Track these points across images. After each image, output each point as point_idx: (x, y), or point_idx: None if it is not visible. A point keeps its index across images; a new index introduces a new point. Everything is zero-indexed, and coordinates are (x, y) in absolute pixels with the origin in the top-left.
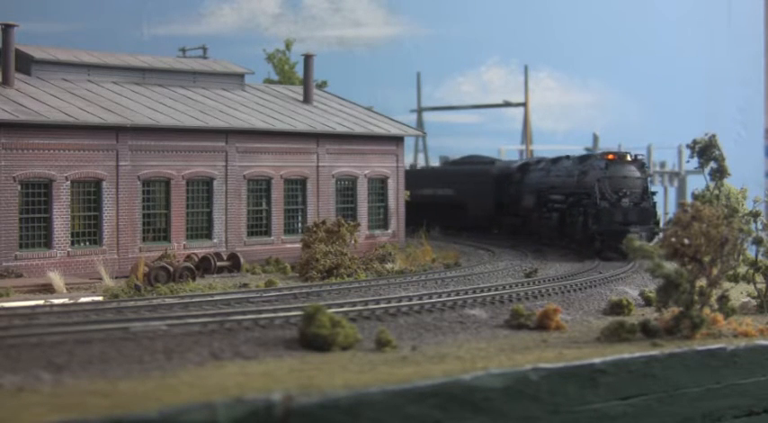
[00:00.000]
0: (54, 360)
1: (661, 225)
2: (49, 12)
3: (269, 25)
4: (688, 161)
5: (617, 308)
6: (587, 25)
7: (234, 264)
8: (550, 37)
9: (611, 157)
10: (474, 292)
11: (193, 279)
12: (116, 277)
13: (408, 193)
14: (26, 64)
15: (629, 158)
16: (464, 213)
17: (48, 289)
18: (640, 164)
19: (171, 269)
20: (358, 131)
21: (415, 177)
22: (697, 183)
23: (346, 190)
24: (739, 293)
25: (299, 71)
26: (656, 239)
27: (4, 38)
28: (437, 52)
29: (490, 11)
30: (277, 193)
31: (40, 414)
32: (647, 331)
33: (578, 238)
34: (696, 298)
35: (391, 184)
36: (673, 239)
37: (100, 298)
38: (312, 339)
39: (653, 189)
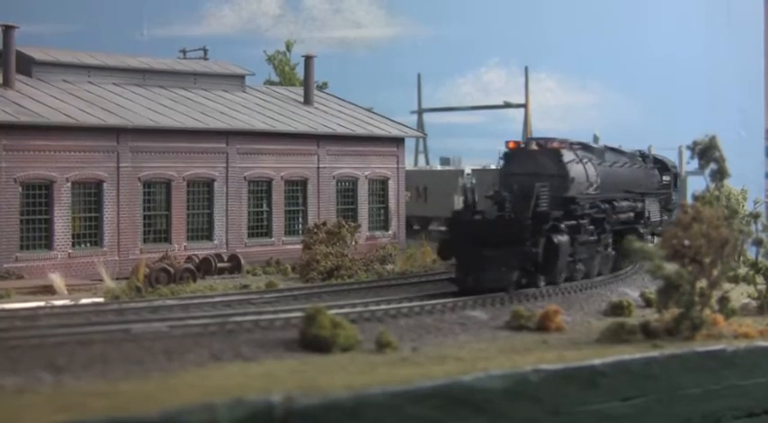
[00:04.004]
0: (55, 361)
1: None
2: (50, 13)
3: (269, 26)
4: (688, 162)
5: (617, 309)
6: (586, 26)
7: (234, 265)
8: (550, 38)
9: (511, 145)
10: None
11: (194, 280)
12: (117, 279)
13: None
14: (27, 65)
15: (534, 147)
16: None
17: (49, 290)
18: (555, 155)
19: (172, 270)
20: (359, 133)
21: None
22: (697, 184)
23: (347, 191)
24: (740, 295)
25: (300, 72)
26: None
27: (5, 39)
28: (437, 53)
29: (490, 12)
30: (278, 195)
31: (40, 415)
32: (648, 332)
33: None
34: (696, 299)
35: (392, 185)
36: (673, 241)
37: (101, 299)
38: (313, 340)
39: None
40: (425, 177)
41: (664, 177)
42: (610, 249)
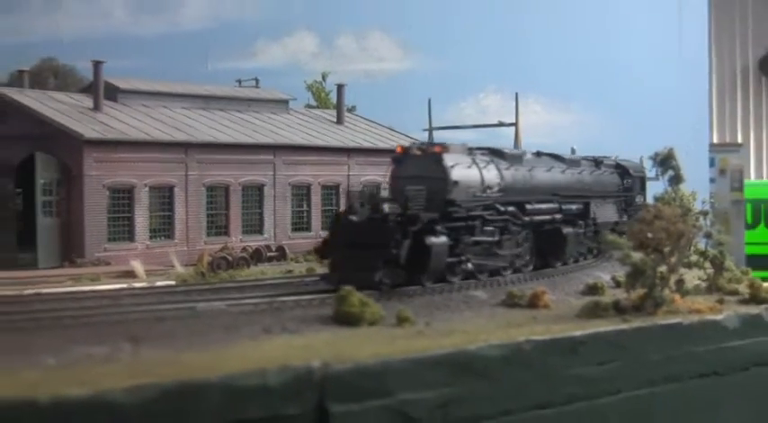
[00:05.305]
0: (134, 334)
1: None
2: (132, 50)
3: (308, 61)
4: (650, 170)
5: (593, 290)
6: (568, 59)
7: (281, 254)
8: (537, 69)
9: (398, 149)
10: (476, 277)
11: (248, 267)
12: (185, 265)
13: None
14: (113, 93)
15: (417, 152)
16: None
17: (130, 275)
18: (436, 159)
19: (230, 258)
20: (381, 146)
21: None
22: (654, 188)
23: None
24: (692, 278)
25: (333, 98)
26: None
27: (95, 72)
28: (444, 82)
29: (487, 48)
30: (315, 197)
31: (122, 379)
32: (618, 309)
33: None
34: (658, 281)
35: None
36: (639, 234)
37: (172, 282)
38: (344, 316)
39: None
40: None
41: (625, 181)
42: (521, 249)
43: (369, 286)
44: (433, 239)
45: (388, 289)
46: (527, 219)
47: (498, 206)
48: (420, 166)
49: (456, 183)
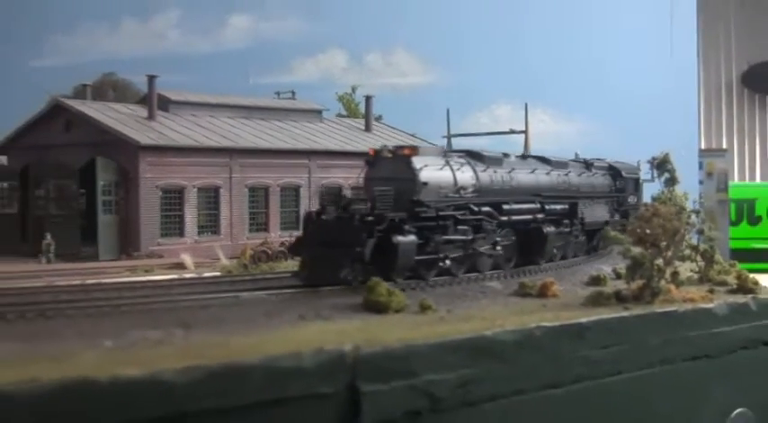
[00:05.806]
0: (184, 320)
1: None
2: (182, 67)
3: (340, 75)
4: (647, 173)
5: (596, 280)
6: (571, 74)
7: None
8: (544, 83)
9: (371, 152)
10: (491, 269)
11: (286, 260)
12: (230, 258)
13: None
14: (165, 104)
15: (388, 154)
16: None
17: (181, 267)
18: (406, 161)
19: (269, 252)
20: None
21: None
22: (651, 189)
23: None
24: (686, 270)
25: (362, 108)
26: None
27: (149, 85)
28: (461, 94)
29: (501, 64)
30: None
31: (175, 360)
32: (620, 298)
33: None
34: (655, 273)
35: None
36: (638, 230)
37: (218, 273)
38: (373, 305)
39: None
40: None
41: (617, 182)
42: (499, 247)
43: (336, 283)
44: (400, 238)
45: (357, 285)
46: (504, 218)
47: (472, 206)
48: (390, 168)
49: (425, 184)
